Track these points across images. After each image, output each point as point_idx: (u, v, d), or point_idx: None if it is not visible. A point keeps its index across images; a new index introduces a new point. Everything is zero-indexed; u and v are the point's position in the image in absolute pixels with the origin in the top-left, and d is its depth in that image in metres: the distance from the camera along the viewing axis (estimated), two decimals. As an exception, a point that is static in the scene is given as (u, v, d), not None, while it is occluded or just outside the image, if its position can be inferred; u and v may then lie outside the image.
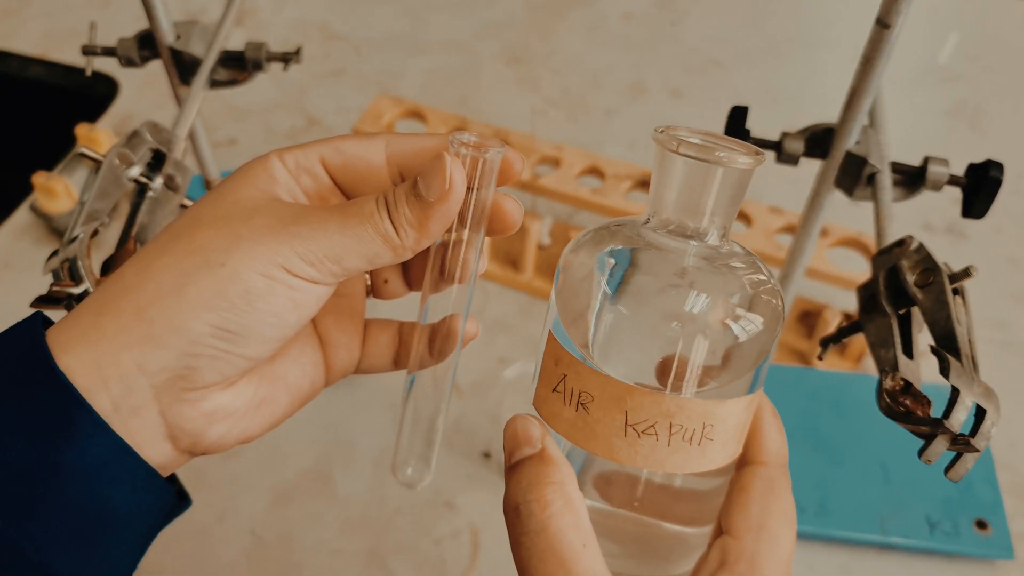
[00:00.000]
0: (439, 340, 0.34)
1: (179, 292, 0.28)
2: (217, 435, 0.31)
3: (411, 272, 0.37)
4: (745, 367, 0.30)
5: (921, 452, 0.34)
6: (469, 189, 0.31)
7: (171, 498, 0.31)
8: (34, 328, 0.29)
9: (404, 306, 0.40)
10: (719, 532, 0.31)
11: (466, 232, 0.32)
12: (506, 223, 0.33)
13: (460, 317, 0.34)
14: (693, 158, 0.28)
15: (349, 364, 0.37)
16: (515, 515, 0.29)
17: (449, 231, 0.32)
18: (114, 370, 0.28)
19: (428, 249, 0.33)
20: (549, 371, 0.30)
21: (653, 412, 0.28)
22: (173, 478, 0.33)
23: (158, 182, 0.46)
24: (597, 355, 0.29)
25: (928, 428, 0.34)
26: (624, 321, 0.29)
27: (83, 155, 0.45)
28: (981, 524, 0.58)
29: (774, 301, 0.30)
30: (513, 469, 0.30)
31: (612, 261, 0.30)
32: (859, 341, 0.67)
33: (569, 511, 0.28)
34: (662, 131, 0.29)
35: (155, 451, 0.30)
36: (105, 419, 0.28)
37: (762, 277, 0.30)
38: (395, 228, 0.30)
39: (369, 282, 0.38)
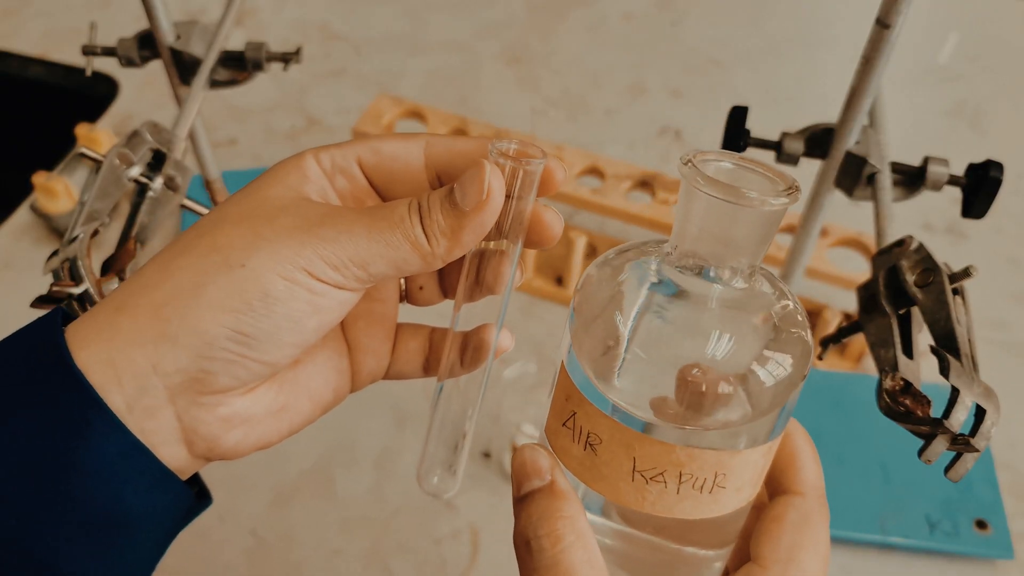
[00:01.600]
0: (470, 350, 0.33)
1: (196, 292, 0.27)
2: (234, 441, 0.30)
3: (448, 279, 0.36)
4: (768, 411, 0.28)
5: (921, 452, 0.34)
6: (508, 198, 0.30)
7: (188, 499, 0.30)
8: (53, 324, 0.29)
9: (438, 309, 0.39)
10: (746, 557, 0.30)
11: (504, 242, 0.31)
12: (545, 235, 0.32)
13: (493, 327, 0.33)
14: (720, 199, 0.26)
15: (378, 371, 0.36)
16: (526, 550, 0.28)
17: (486, 240, 0.31)
18: (128, 368, 0.27)
19: (464, 256, 0.31)
20: (560, 405, 0.29)
21: (662, 461, 0.27)
22: (195, 477, 0.32)
23: (158, 182, 0.46)
24: (611, 392, 0.28)
25: (928, 428, 0.34)
26: (640, 363, 0.27)
27: (83, 155, 0.45)
28: (981, 524, 0.58)
29: (803, 338, 0.28)
30: (523, 501, 0.29)
31: (629, 299, 0.28)
32: (859, 341, 0.67)
33: (581, 546, 0.28)
34: (688, 161, 0.27)
35: (170, 454, 0.29)
36: (120, 418, 0.27)
37: (790, 312, 0.28)
38: (426, 235, 0.29)
39: (404, 287, 0.37)
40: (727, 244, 0.27)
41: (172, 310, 0.28)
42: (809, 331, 0.29)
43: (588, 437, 0.28)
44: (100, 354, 0.27)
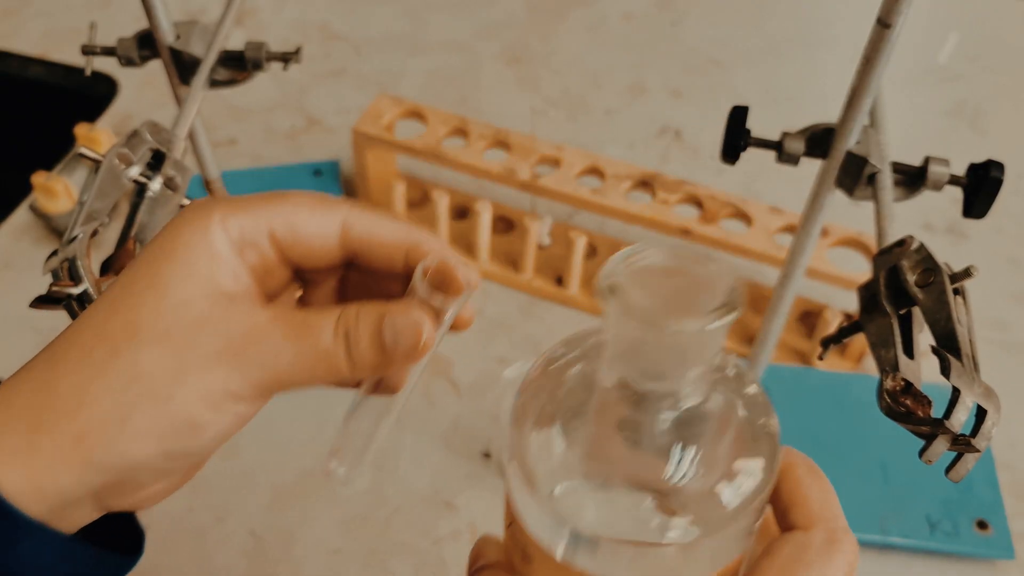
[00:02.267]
0: (382, 387, 0.32)
1: (122, 424, 0.27)
2: (148, 503, 0.31)
3: None
4: (734, 528, 0.25)
5: (922, 452, 0.34)
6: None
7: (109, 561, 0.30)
8: None
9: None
10: None
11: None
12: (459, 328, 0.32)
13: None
14: (641, 330, 0.23)
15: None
16: None
17: None
18: (52, 487, 0.27)
19: None
20: (505, 502, 0.28)
21: None
22: (123, 528, 0.32)
23: (158, 182, 0.46)
24: (545, 517, 0.26)
25: (929, 428, 0.34)
26: (581, 490, 0.25)
27: (82, 155, 0.45)
28: (981, 524, 0.58)
29: (770, 433, 0.26)
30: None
31: (570, 417, 0.26)
32: (859, 341, 0.67)
33: None
34: (608, 279, 0.23)
35: (82, 520, 0.29)
36: (40, 521, 0.27)
37: (755, 407, 0.26)
38: (351, 365, 0.29)
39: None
40: (663, 370, 0.24)
41: (96, 440, 0.27)
42: (774, 417, 0.27)
43: (523, 548, 0.27)
44: (20, 472, 0.27)
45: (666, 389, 0.24)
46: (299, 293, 0.34)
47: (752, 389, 0.27)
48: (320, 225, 0.30)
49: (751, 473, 0.25)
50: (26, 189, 0.74)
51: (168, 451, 0.28)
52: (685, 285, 0.24)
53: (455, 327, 0.32)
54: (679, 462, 0.25)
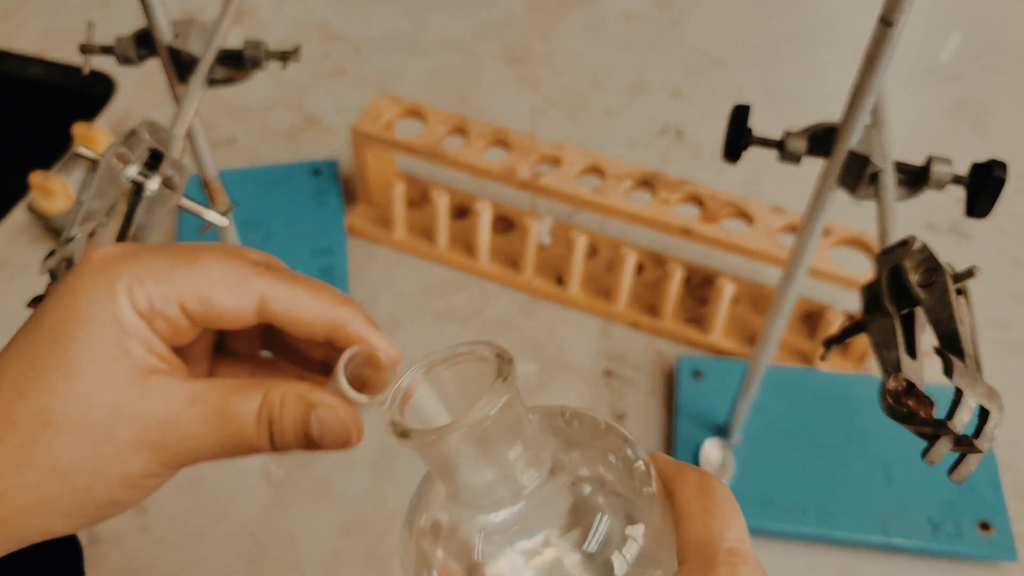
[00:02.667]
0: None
1: (43, 510, 0.27)
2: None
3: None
4: None
5: (924, 453, 0.34)
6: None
7: None
8: None
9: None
10: None
11: None
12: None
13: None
14: (426, 444, 0.23)
15: None
16: None
17: None
18: None
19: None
20: None
21: None
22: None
23: (156, 181, 0.46)
24: None
25: (931, 429, 0.34)
26: None
27: (80, 154, 0.44)
28: (984, 525, 0.58)
29: (646, 490, 0.25)
30: None
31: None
32: (862, 342, 0.66)
33: None
34: (391, 423, 0.24)
35: None
36: None
37: (620, 477, 0.25)
38: (274, 450, 0.29)
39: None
40: (490, 473, 0.24)
41: (17, 523, 0.27)
42: (642, 464, 0.26)
43: None
44: None
45: (501, 491, 0.25)
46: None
47: (613, 453, 0.26)
48: (235, 301, 0.29)
49: (634, 539, 0.25)
50: (24, 188, 0.74)
51: (89, 523, 0.29)
52: (467, 382, 0.25)
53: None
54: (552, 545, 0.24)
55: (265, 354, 0.34)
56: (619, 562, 0.24)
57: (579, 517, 0.25)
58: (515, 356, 0.74)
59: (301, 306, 0.30)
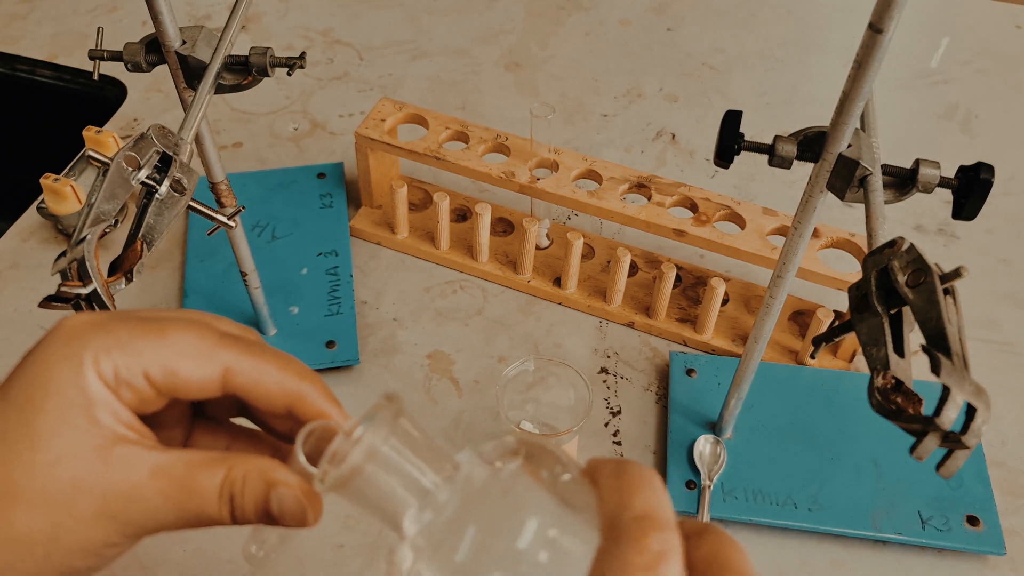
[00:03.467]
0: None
1: (2, 573, 0.28)
2: None
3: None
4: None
5: (912, 449, 0.35)
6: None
7: None
8: None
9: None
10: None
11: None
12: None
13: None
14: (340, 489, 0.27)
15: None
16: None
17: None
18: None
19: None
20: None
21: None
22: None
23: (165, 185, 0.47)
24: None
25: (919, 426, 0.35)
26: None
27: (91, 158, 0.45)
28: (972, 520, 0.59)
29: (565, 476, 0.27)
30: None
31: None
32: (851, 340, 0.68)
33: None
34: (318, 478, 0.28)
35: None
36: None
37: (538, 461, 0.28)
38: (234, 522, 0.30)
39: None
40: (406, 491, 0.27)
41: None
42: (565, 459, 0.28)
43: None
44: None
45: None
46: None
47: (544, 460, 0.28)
48: (200, 373, 0.30)
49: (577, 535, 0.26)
50: (35, 191, 0.75)
51: None
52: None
53: None
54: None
55: (241, 421, 0.35)
56: (541, 555, 0.25)
57: (496, 511, 0.26)
58: (514, 354, 0.74)
59: (263, 379, 0.30)
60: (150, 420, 0.32)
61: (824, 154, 0.44)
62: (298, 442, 0.30)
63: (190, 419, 0.34)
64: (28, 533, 0.28)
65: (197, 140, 0.58)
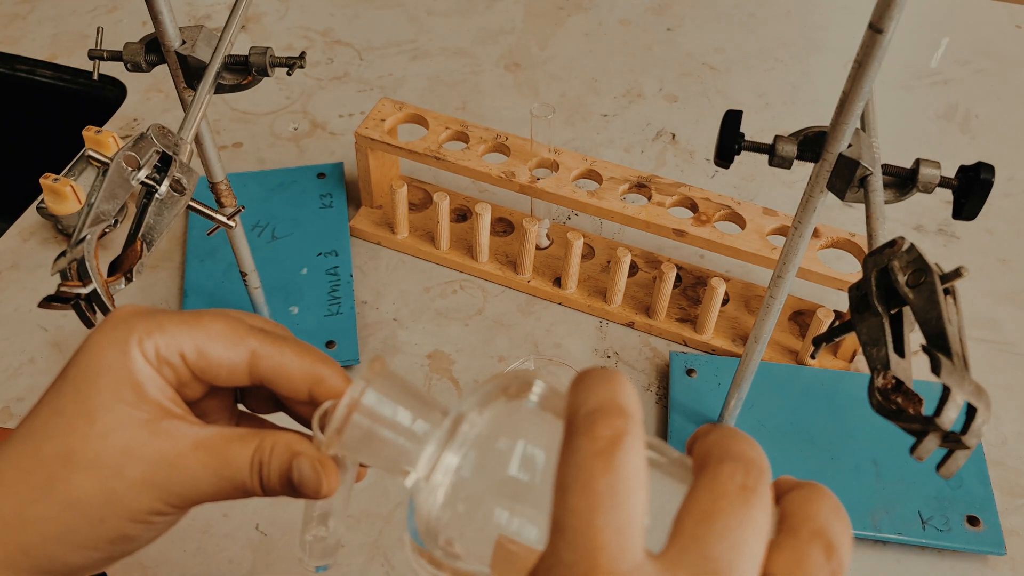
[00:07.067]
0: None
1: (63, 541, 0.30)
2: None
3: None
4: None
5: (913, 449, 0.35)
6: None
7: None
8: None
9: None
10: None
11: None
12: None
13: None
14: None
15: None
16: None
17: None
18: None
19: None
20: None
21: None
22: None
23: (165, 185, 0.47)
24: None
25: (919, 426, 0.35)
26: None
27: (91, 157, 0.45)
28: (972, 520, 0.59)
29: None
30: None
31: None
32: (851, 340, 0.68)
33: None
34: (317, 437, 0.31)
35: None
36: None
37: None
38: (263, 493, 0.33)
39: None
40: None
41: (40, 553, 0.30)
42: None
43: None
44: None
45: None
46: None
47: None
48: (228, 356, 0.33)
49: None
50: (35, 191, 0.75)
51: (104, 558, 0.32)
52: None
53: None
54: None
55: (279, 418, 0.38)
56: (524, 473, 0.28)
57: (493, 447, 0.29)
58: (514, 354, 0.75)
59: (287, 362, 0.34)
60: (197, 411, 0.35)
61: (824, 154, 0.44)
62: (315, 417, 0.33)
63: (234, 413, 0.38)
64: (85, 497, 0.30)
65: (197, 140, 0.58)
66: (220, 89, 0.56)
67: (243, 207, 0.58)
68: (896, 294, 0.39)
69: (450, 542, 0.29)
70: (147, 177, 0.47)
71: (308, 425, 0.35)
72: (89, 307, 0.41)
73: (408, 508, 0.31)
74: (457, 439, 0.29)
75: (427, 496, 0.29)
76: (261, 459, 0.32)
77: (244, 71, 0.55)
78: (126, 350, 0.31)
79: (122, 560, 0.33)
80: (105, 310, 0.40)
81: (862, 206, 0.45)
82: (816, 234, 0.66)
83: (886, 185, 0.46)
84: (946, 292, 0.38)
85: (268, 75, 0.55)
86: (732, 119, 0.46)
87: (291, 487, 0.32)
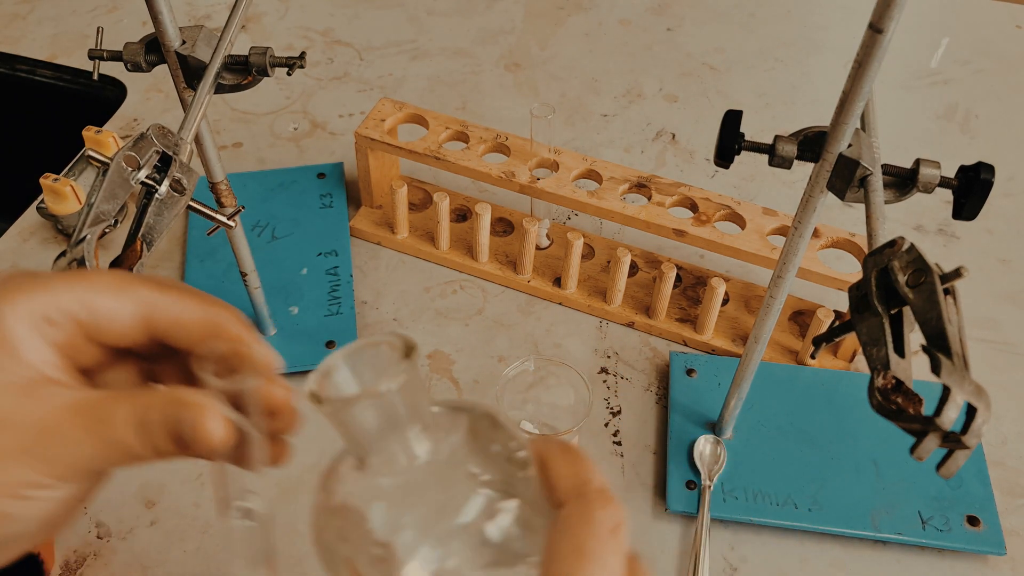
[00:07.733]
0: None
1: None
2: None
3: None
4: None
5: (913, 449, 0.35)
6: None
7: None
8: None
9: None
10: None
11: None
12: (284, 419, 0.32)
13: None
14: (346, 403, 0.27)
15: None
16: None
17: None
18: None
19: None
20: None
21: None
22: None
23: (165, 185, 0.47)
24: None
25: (919, 426, 0.35)
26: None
27: (91, 158, 0.46)
28: (972, 520, 0.59)
29: (521, 473, 0.28)
30: None
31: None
32: (851, 340, 0.68)
33: None
34: (309, 387, 0.27)
35: None
36: None
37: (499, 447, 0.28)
38: (154, 455, 0.29)
39: None
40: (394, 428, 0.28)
41: None
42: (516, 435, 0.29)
43: None
44: None
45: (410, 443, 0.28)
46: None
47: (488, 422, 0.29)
48: (118, 308, 0.31)
49: (506, 511, 0.27)
50: (35, 191, 0.75)
51: None
52: (381, 367, 0.28)
53: (276, 416, 0.32)
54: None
55: None
56: (491, 530, 0.27)
57: (459, 492, 0.28)
58: (514, 354, 0.75)
59: (182, 311, 0.31)
60: (100, 387, 0.32)
61: (824, 154, 0.44)
62: (201, 361, 0.30)
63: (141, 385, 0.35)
64: None
65: (197, 140, 0.58)
66: (220, 89, 0.56)
67: (243, 207, 0.58)
68: (896, 294, 0.39)
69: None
70: (147, 177, 0.47)
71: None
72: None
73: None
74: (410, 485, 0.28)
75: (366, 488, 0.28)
76: (140, 416, 0.28)
77: (244, 71, 0.55)
78: (2, 331, 0.29)
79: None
80: None
81: (862, 206, 0.45)
82: (816, 234, 0.66)
83: (886, 185, 0.46)
84: (946, 292, 0.38)
85: (268, 75, 0.55)
86: (732, 119, 0.46)
87: (182, 444, 0.29)
